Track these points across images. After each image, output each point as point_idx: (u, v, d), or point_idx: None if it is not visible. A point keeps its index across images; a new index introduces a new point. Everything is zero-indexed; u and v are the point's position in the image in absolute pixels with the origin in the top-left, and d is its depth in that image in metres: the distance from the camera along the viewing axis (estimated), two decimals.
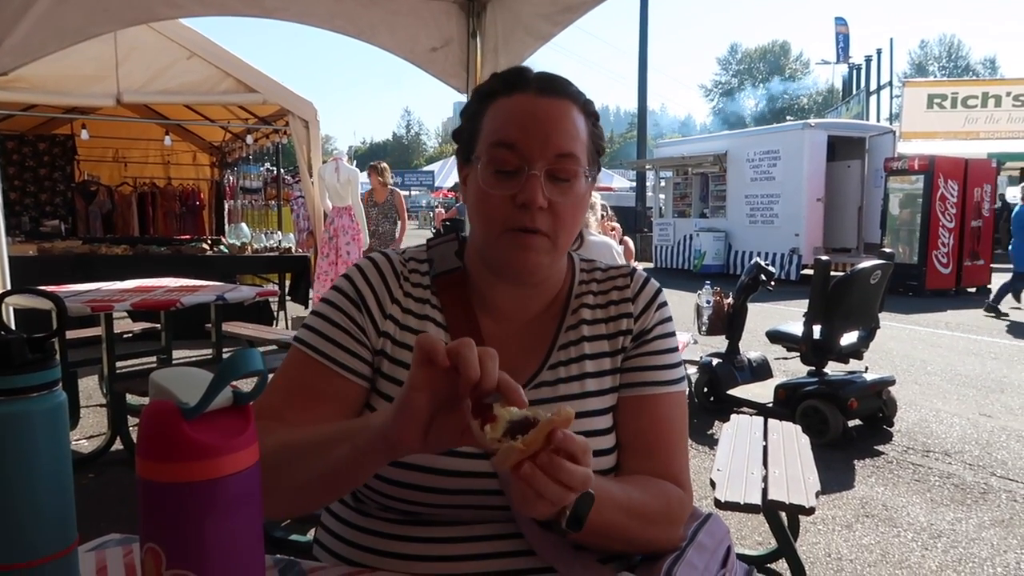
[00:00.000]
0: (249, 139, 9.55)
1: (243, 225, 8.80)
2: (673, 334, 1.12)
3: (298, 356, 1.05)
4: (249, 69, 7.22)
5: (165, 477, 0.60)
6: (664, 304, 1.13)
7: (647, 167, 20.07)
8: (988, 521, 3.33)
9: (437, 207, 32.89)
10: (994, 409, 5.22)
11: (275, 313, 8.12)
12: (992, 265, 12.64)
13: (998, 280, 12.54)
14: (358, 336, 1.04)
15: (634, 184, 25.69)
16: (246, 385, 0.67)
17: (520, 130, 0.99)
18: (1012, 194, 23.05)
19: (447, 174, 39.13)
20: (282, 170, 11.31)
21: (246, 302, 5.22)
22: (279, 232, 9.04)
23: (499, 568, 0.98)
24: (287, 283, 8.05)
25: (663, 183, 18.32)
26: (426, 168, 50.64)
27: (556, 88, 1.03)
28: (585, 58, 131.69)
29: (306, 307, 7.89)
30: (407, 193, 55.51)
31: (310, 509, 1.00)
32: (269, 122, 8.87)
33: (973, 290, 12.15)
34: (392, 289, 1.07)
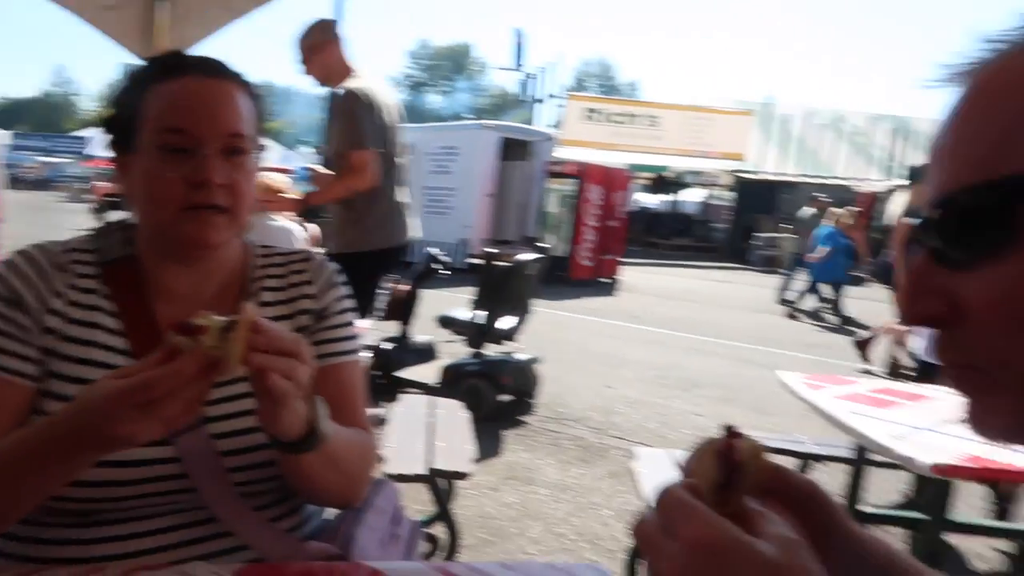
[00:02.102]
0: None
1: None
2: (350, 310, 1.22)
3: None
4: None
5: None
6: (341, 283, 1.22)
7: None
8: (605, 474, 4.02)
9: (95, 179, 28.65)
10: (615, 381, 6.23)
11: None
12: (620, 259, 14.83)
13: (626, 272, 14.78)
14: (21, 336, 0.99)
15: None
16: None
17: (189, 113, 1.00)
18: (647, 199, 27.19)
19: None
20: None
21: None
22: None
23: (193, 555, 0.99)
24: None
25: None
26: (79, 133, 44.13)
27: (220, 70, 1.06)
28: (279, 38, 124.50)
29: None
30: (53, 160, 47.80)
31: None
32: None
33: (607, 280, 14.18)
34: (53, 282, 1.02)
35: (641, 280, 14.79)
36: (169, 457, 0.99)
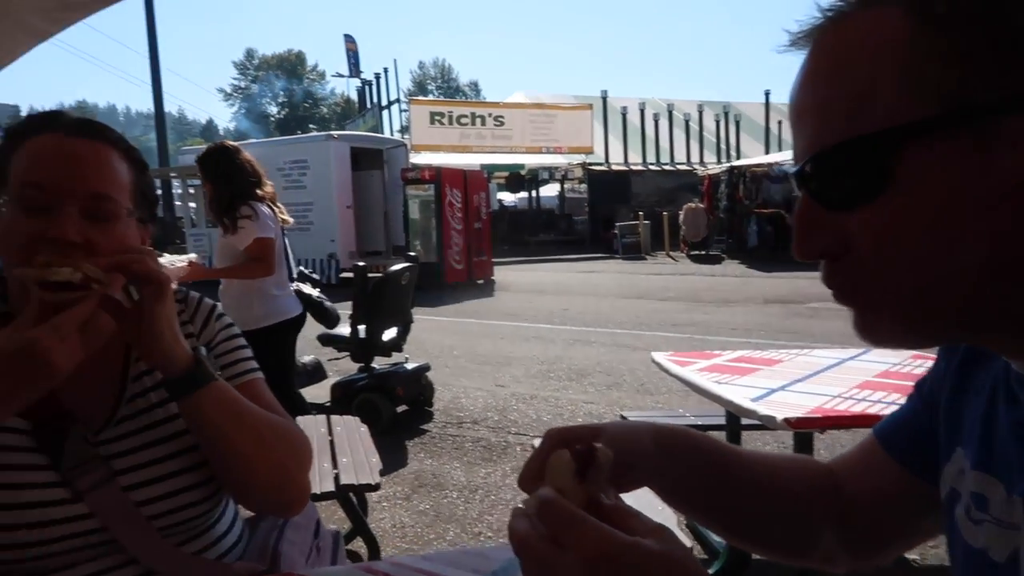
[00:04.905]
0: None
1: None
2: (239, 335, 1.25)
3: None
4: None
5: None
6: (221, 315, 1.25)
7: (172, 175, 18.87)
8: (509, 470, 4.17)
9: None
10: (505, 380, 6.41)
11: None
12: (493, 260, 15.11)
13: (498, 272, 15.07)
14: None
15: (159, 193, 23.84)
16: None
17: (48, 170, 0.98)
18: (507, 198, 27.69)
19: None
20: None
21: None
22: None
23: None
24: None
25: (192, 191, 17.45)
26: None
27: (90, 130, 1.04)
28: (90, 54, 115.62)
29: None
30: None
31: None
32: None
33: (481, 281, 14.41)
34: None
35: (514, 278, 15.12)
36: (82, 514, 1.00)
